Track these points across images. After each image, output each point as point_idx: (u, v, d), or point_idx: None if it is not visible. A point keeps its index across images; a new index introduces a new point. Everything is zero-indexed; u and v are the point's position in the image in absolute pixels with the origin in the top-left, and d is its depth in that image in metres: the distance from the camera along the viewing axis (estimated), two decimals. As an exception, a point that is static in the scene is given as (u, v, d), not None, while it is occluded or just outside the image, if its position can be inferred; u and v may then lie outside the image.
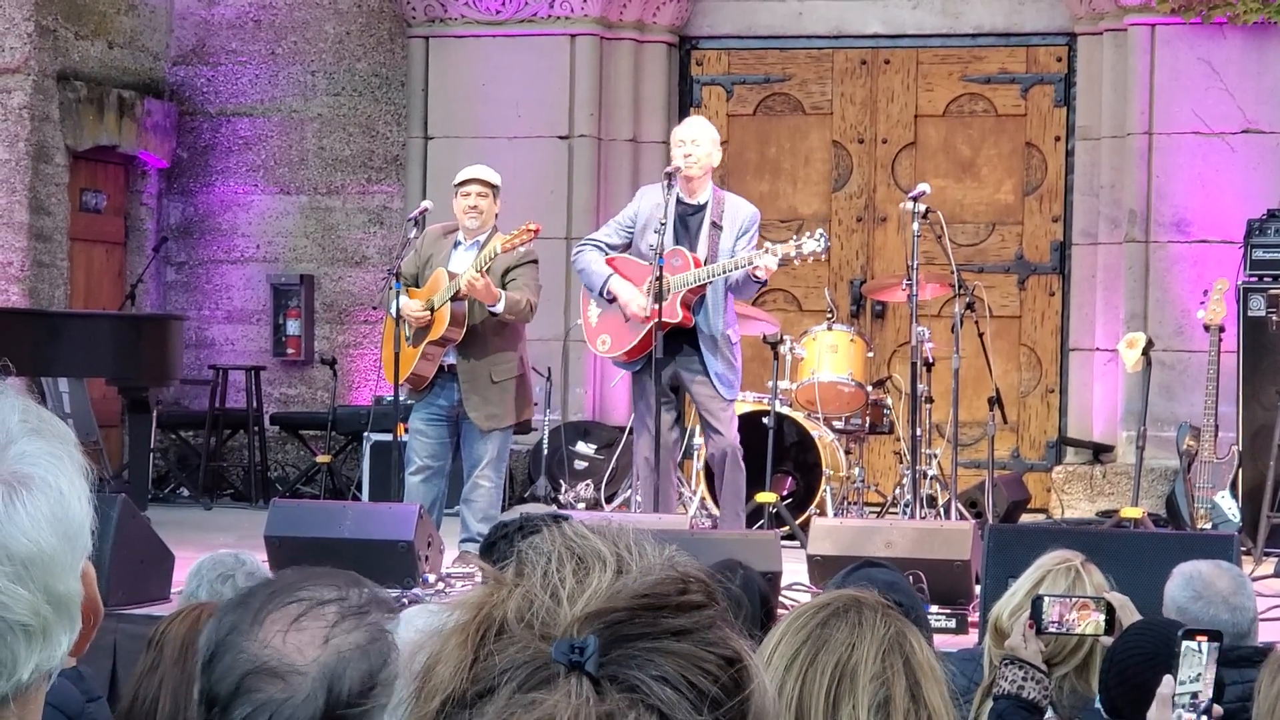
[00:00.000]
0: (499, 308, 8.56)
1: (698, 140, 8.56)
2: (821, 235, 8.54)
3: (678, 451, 9.12)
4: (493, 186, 8.82)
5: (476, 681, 1.24)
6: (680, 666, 1.23)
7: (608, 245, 8.74)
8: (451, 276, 8.64)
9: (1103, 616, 3.89)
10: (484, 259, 8.55)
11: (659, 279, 8.32)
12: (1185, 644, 3.34)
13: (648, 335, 8.47)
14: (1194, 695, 3.30)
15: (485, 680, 1.24)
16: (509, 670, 1.23)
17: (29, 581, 1.37)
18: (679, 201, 8.56)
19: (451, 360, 8.76)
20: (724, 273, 8.44)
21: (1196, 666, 3.30)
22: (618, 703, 1.21)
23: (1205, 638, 3.33)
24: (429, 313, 8.69)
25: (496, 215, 8.87)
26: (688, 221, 8.59)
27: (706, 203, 8.60)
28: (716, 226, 8.56)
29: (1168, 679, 3.34)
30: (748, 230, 8.56)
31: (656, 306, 8.32)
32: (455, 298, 8.61)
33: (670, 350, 8.50)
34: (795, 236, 8.58)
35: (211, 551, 4.50)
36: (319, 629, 2.12)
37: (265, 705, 2.10)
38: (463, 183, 8.83)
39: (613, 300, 8.65)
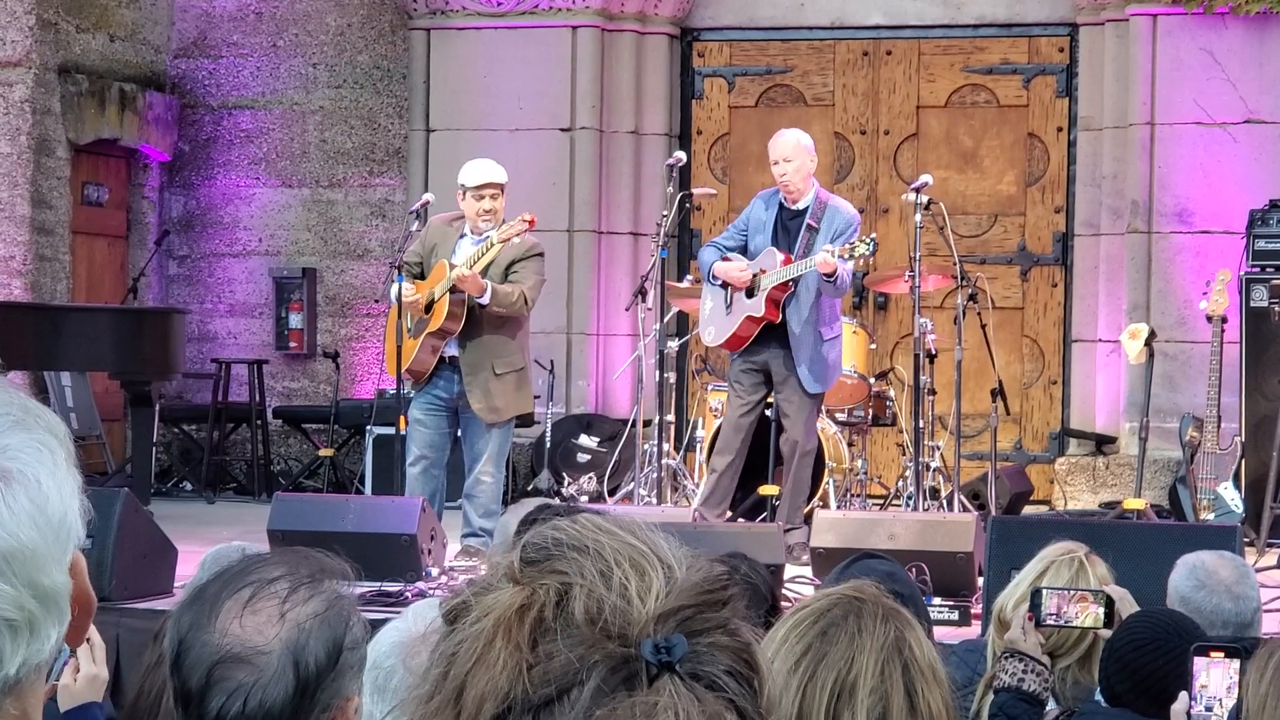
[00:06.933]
0: (485, 299, 8.56)
1: (789, 158, 9.05)
2: (872, 240, 8.84)
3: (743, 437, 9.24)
4: (503, 186, 8.83)
5: (538, 685, 1.22)
6: (731, 659, 1.25)
7: (725, 248, 9.19)
8: (453, 268, 8.64)
9: (1101, 609, 3.89)
10: (476, 254, 8.58)
11: (722, 285, 9.03)
12: (1198, 659, 3.33)
13: (743, 326, 8.99)
14: (1208, 709, 3.30)
15: (552, 683, 1.22)
16: (582, 671, 1.22)
17: (11, 576, 1.37)
18: (782, 208, 9.09)
19: (453, 351, 8.76)
20: (801, 270, 8.85)
21: (1219, 681, 3.28)
22: (714, 702, 1.22)
23: (1222, 654, 3.32)
24: (421, 299, 8.69)
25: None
26: (789, 225, 9.09)
27: (808, 207, 9.06)
28: (812, 229, 9.00)
29: (1183, 696, 3.34)
30: (843, 233, 8.92)
31: (746, 297, 8.97)
32: (454, 290, 8.62)
33: (768, 342, 9.01)
34: (850, 239, 8.87)
35: (215, 545, 4.51)
36: (273, 607, 2.16)
37: (237, 691, 2.12)
38: (478, 186, 8.78)
39: (722, 284, 9.10)
